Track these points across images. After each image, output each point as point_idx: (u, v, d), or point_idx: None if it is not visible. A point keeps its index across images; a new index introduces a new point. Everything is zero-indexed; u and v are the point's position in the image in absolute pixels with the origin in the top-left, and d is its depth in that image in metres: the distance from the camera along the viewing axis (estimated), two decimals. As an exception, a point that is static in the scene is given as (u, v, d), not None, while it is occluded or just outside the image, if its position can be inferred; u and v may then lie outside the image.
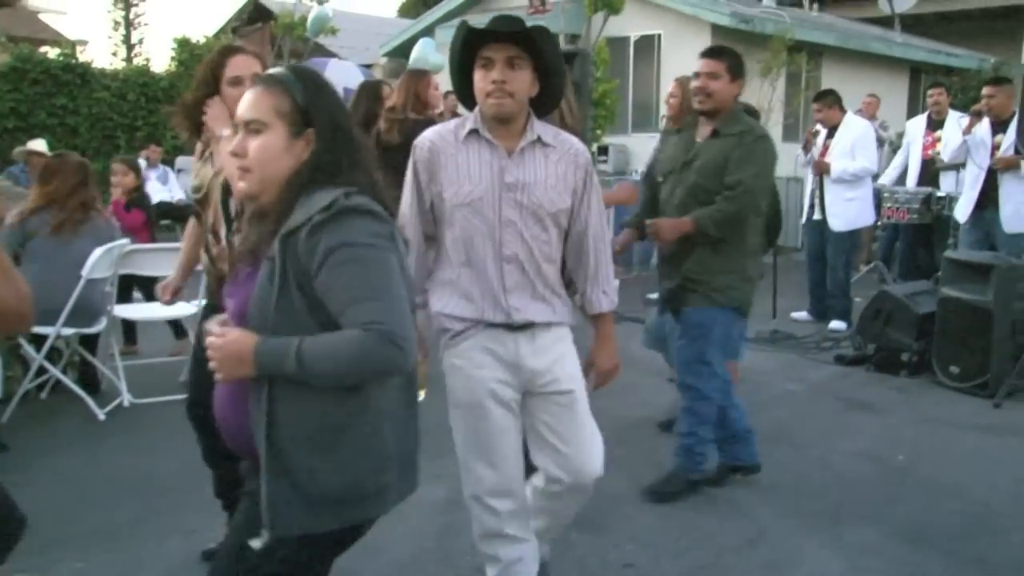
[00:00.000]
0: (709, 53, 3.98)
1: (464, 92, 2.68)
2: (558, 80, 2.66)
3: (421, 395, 2.60)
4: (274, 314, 1.82)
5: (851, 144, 7.47)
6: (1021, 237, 6.69)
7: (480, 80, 2.57)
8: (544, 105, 2.70)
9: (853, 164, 7.44)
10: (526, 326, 2.68)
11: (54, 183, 5.18)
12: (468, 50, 2.59)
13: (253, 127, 1.89)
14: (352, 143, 1.94)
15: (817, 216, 7.69)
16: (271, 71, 1.97)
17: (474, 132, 2.64)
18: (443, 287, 2.73)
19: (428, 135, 2.69)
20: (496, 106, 2.55)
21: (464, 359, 2.69)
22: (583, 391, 2.80)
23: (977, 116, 7.21)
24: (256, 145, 1.88)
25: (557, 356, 2.74)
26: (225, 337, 1.84)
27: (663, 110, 6.69)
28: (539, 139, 2.65)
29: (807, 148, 7.72)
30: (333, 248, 1.77)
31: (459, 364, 2.70)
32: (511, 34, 2.52)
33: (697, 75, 3.92)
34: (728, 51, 3.99)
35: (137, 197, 6.76)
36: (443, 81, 5.18)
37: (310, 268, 1.79)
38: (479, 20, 2.49)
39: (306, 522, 1.86)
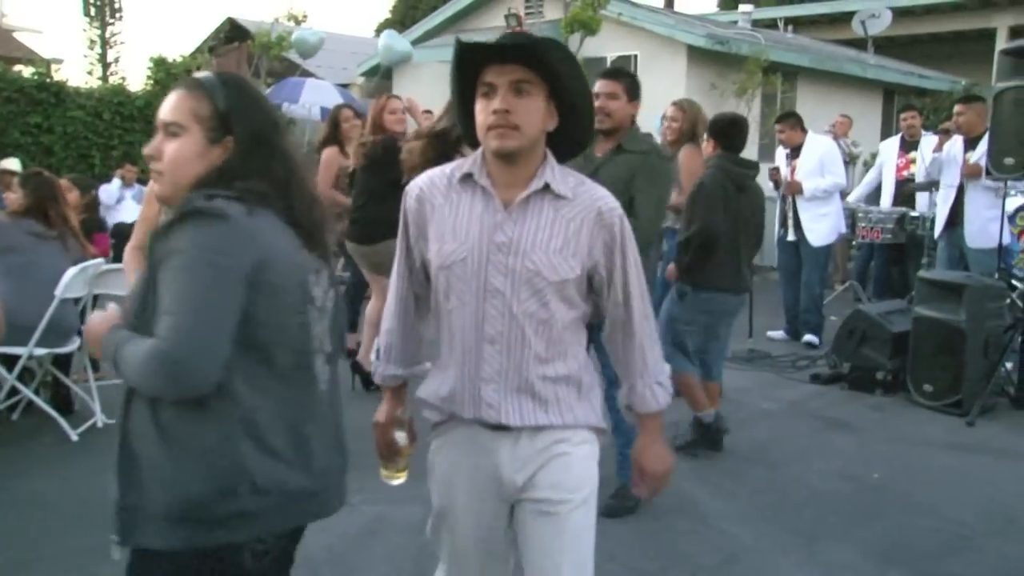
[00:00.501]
0: (608, 75, 4.13)
1: (469, 127, 2.15)
2: (583, 110, 2.12)
3: (402, 478, 2.36)
4: (136, 314, 1.79)
5: (818, 161, 7.59)
6: (991, 256, 6.79)
7: (480, 111, 2.04)
8: (568, 144, 2.16)
9: (823, 181, 7.55)
10: (506, 427, 2.10)
11: (28, 195, 5.19)
12: (467, 75, 2.08)
13: (171, 130, 1.84)
14: (271, 152, 1.86)
15: (791, 236, 7.77)
16: (196, 75, 1.92)
17: (469, 177, 2.11)
18: (434, 365, 2.24)
19: (419, 180, 2.19)
20: (498, 141, 2.01)
21: (440, 457, 2.23)
22: (582, 508, 2.15)
23: (946, 134, 7.34)
24: (171, 148, 1.84)
25: (543, 463, 2.12)
26: (96, 317, 1.87)
27: (654, 131, 6.79)
28: (547, 187, 2.07)
29: (776, 184, 7.84)
30: (169, 253, 1.70)
31: (436, 462, 2.25)
32: (516, 53, 2.00)
33: (597, 96, 4.00)
34: (625, 73, 4.21)
35: (87, 219, 6.61)
36: (434, 91, 5.19)
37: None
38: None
39: (151, 537, 1.75)
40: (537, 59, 2.00)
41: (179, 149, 1.83)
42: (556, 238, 2.06)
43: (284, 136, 1.93)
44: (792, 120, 7.79)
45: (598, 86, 4.03)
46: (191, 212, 1.70)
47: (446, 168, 2.18)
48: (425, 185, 2.16)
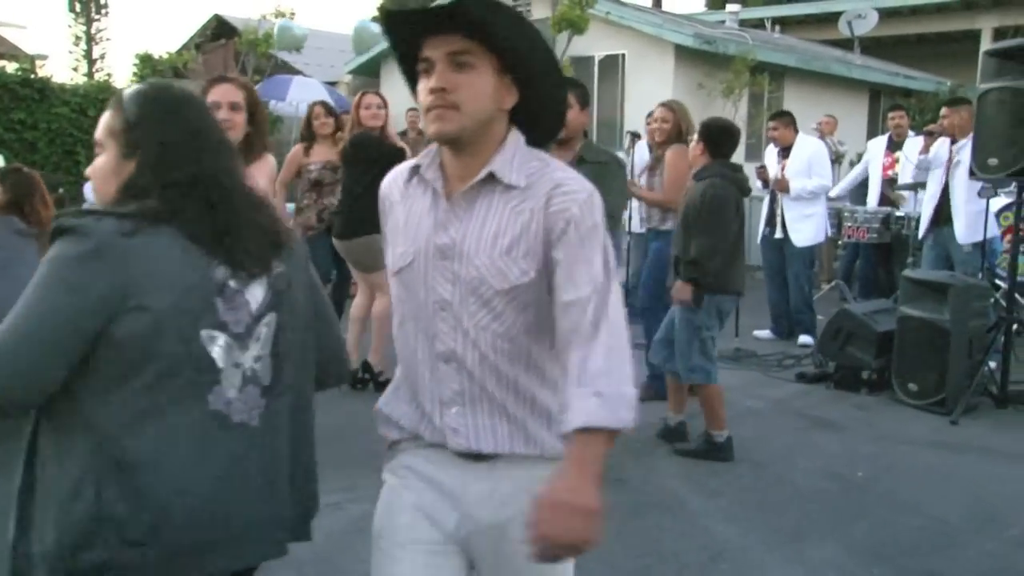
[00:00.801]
0: None
1: None
2: (547, 79, 1.79)
3: None
4: None
5: (807, 162, 7.64)
6: (975, 255, 6.85)
7: (420, 91, 1.76)
8: (538, 125, 1.84)
9: (810, 182, 7.60)
10: (478, 456, 1.79)
11: (6, 192, 5.15)
12: (408, 52, 1.79)
13: (96, 149, 1.81)
14: (182, 164, 1.71)
15: (778, 235, 7.80)
16: (126, 89, 1.86)
17: (419, 169, 1.84)
18: (395, 378, 1.95)
19: (387, 177, 1.95)
20: (436, 125, 1.72)
21: (393, 474, 1.92)
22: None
23: (930, 136, 7.40)
24: (94, 166, 1.80)
25: (517, 513, 1.70)
26: None
27: (641, 130, 6.82)
28: (493, 176, 1.74)
29: (764, 182, 7.88)
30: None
31: (386, 480, 1.94)
32: (447, 18, 1.69)
33: None
34: (576, 82, 4.48)
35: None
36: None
37: None
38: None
39: None
40: (473, 24, 1.68)
41: (99, 167, 1.78)
42: (504, 236, 1.73)
43: (208, 147, 1.76)
44: (786, 119, 7.83)
45: None
46: (57, 229, 1.62)
47: (413, 160, 1.90)
48: (389, 181, 1.92)
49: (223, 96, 3.29)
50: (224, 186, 1.74)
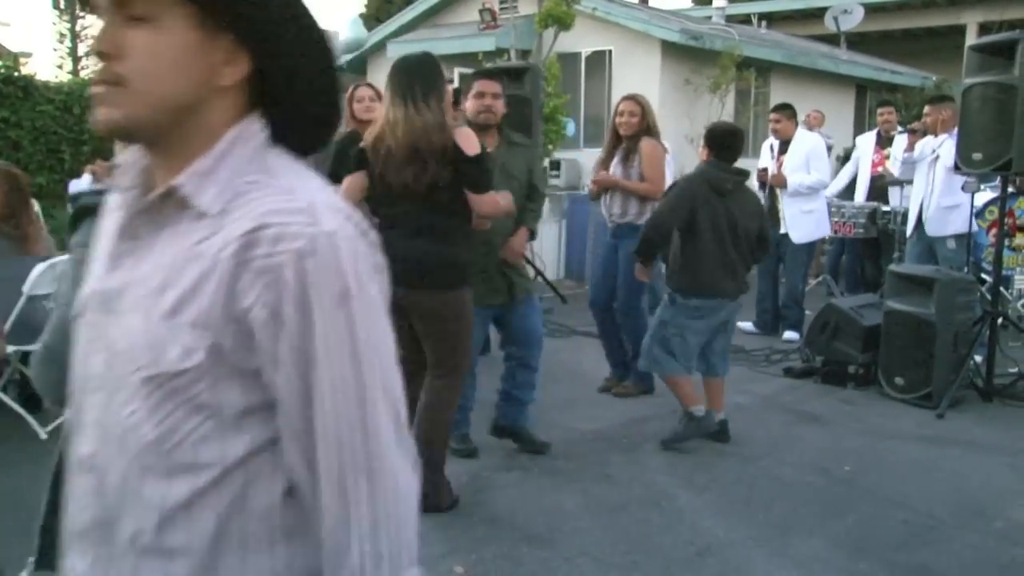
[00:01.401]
0: (489, 75, 4.60)
1: None
2: (299, 37, 1.10)
3: None
4: None
5: (805, 157, 7.61)
6: (960, 250, 6.88)
7: None
8: (293, 111, 1.15)
9: (808, 178, 7.58)
10: None
11: None
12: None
13: None
14: None
15: (782, 230, 7.77)
16: None
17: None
18: None
19: None
20: (100, 111, 1.06)
21: None
22: None
23: (913, 133, 7.43)
24: None
25: None
26: None
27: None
28: (175, 193, 1.07)
29: (763, 184, 7.83)
30: None
31: None
32: None
33: (482, 95, 4.42)
34: (499, 73, 4.81)
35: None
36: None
37: None
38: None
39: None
40: None
41: None
42: (172, 289, 1.05)
43: None
44: (788, 111, 7.80)
45: (483, 86, 4.43)
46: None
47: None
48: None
49: None
50: None
